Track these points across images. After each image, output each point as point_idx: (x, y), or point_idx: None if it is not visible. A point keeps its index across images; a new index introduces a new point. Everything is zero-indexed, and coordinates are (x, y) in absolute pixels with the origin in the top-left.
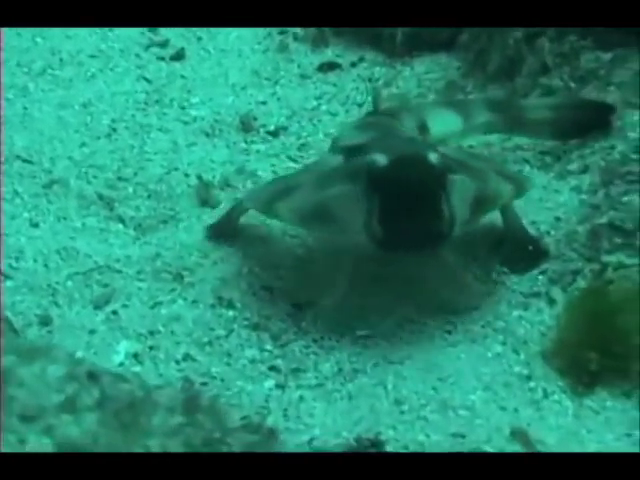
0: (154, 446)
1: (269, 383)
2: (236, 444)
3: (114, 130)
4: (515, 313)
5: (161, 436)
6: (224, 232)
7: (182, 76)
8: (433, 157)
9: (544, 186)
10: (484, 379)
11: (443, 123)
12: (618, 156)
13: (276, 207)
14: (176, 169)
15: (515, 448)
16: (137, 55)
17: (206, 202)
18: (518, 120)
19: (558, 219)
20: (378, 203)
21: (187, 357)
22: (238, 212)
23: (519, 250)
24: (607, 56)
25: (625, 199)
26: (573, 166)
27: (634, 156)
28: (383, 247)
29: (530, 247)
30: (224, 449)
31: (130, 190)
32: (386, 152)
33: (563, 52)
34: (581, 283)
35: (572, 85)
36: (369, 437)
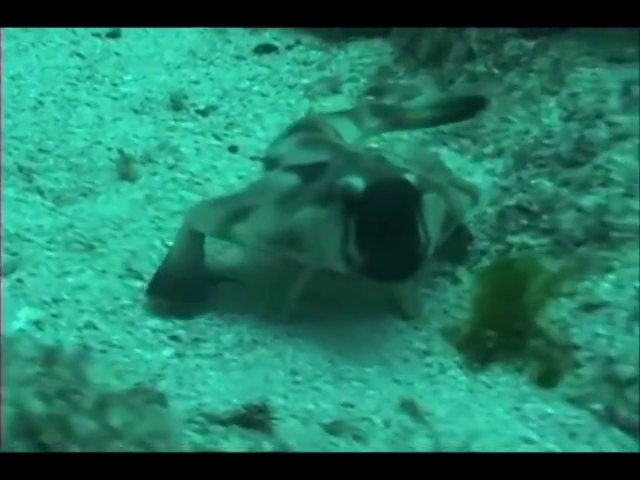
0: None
1: (168, 351)
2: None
3: (40, 103)
4: (422, 291)
5: (15, 385)
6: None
7: (116, 53)
8: (411, 178)
9: (459, 168)
10: (382, 354)
11: (346, 131)
12: (532, 141)
13: (233, 229)
14: (99, 143)
15: (403, 418)
16: (72, 31)
17: (126, 176)
18: (399, 121)
19: None
20: (355, 228)
21: (89, 325)
22: (194, 241)
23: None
24: (530, 44)
25: (533, 182)
26: (489, 149)
27: (546, 141)
28: (361, 273)
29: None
30: (78, 399)
31: (51, 162)
32: (361, 175)
33: (489, 39)
34: (486, 263)
35: (495, 71)
36: (257, 403)
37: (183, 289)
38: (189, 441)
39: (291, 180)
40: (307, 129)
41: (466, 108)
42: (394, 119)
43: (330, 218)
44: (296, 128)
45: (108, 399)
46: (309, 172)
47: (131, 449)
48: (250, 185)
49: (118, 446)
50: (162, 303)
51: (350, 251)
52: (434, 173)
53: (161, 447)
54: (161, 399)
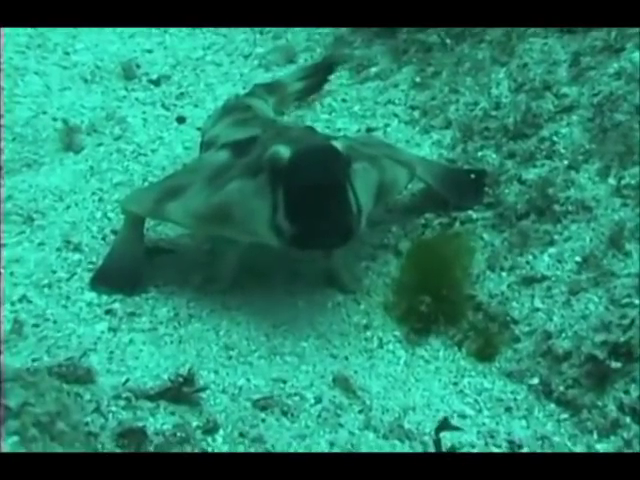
0: None
1: (102, 326)
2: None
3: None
4: (363, 264)
5: None
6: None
7: None
8: (339, 145)
9: (407, 140)
10: (319, 328)
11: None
12: (480, 112)
13: (166, 208)
14: (44, 113)
15: (335, 394)
16: None
17: (70, 147)
18: (284, 97)
19: None
20: (284, 198)
21: (23, 299)
22: (133, 222)
23: (461, 184)
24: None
25: (479, 154)
26: (437, 121)
27: (494, 113)
28: (291, 244)
29: (472, 175)
30: None
31: None
32: (288, 143)
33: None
34: (428, 236)
35: (448, 42)
36: (181, 373)
37: (124, 279)
38: (115, 417)
39: (223, 157)
40: (239, 109)
41: (321, 75)
42: (281, 96)
43: (258, 190)
44: (228, 110)
45: (6, 377)
46: (241, 147)
47: (30, 429)
48: (184, 166)
49: (14, 425)
50: (105, 293)
51: (279, 222)
52: (367, 146)
53: (60, 427)
54: (87, 375)
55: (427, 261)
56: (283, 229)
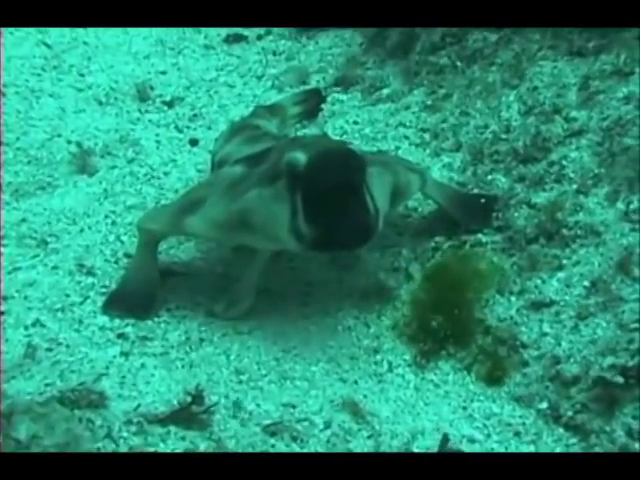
0: None
1: (114, 350)
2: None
3: (3, 94)
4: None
5: None
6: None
7: (84, 42)
8: (354, 148)
9: (417, 163)
10: (329, 351)
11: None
12: (490, 135)
13: (186, 222)
14: (59, 135)
15: (344, 418)
16: None
17: (84, 170)
18: (284, 119)
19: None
20: (302, 202)
21: (37, 323)
22: (148, 243)
23: (470, 207)
24: (494, 37)
25: (489, 178)
26: (448, 144)
27: (504, 136)
28: (312, 248)
29: (482, 200)
30: None
31: (10, 155)
32: (304, 149)
33: (453, 32)
34: (439, 259)
35: (459, 64)
36: (190, 391)
37: (138, 303)
38: (127, 443)
39: (239, 170)
40: (248, 128)
41: (315, 100)
42: (282, 117)
43: (277, 196)
44: (237, 130)
45: (17, 409)
46: (256, 160)
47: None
48: (199, 183)
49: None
50: (117, 317)
51: (299, 226)
52: (380, 156)
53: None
54: (100, 400)
55: (445, 278)
56: (303, 233)
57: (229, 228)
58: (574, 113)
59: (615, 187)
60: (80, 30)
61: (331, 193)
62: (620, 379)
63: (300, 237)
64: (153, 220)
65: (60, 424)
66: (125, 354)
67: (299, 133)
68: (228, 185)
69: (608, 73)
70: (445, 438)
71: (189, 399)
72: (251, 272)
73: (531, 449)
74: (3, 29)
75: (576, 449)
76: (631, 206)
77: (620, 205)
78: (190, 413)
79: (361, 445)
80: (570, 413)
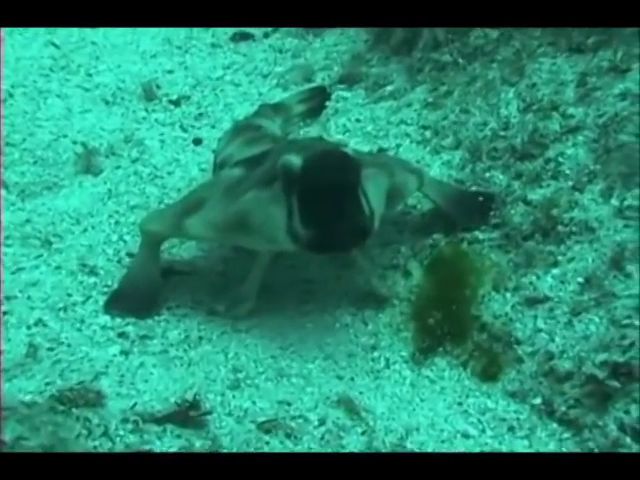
0: None
1: (114, 349)
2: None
3: (11, 95)
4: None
5: None
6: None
7: (93, 42)
8: (349, 150)
9: (418, 160)
10: (327, 349)
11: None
12: (489, 133)
13: (186, 224)
14: (65, 136)
15: (339, 415)
16: None
17: (89, 170)
18: (289, 117)
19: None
20: (298, 204)
21: (39, 322)
22: (150, 245)
23: (468, 206)
24: (495, 33)
25: (487, 175)
26: (447, 141)
27: (502, 133)
28: (308, 248)
29: (480, 198)
30: None
31: (17, 156)
32: (299, 151)
33: (456, 29)
34: (437, 256)
35: (460, 61)
36: (187, 398)
37: (139, 303)
38: (123, 441)
39: (238, 172)
40: (250, 129)
41: (319, 98)
42: (287, 116)
43: (274, 198)
44: (239, 130)
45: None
46: (254, 162)
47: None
48: (200, 185)
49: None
50: (119, 317)
51: (295, 227)
52: (376, 158)
53: None
54: (97, 399)
55: (442, 275)
56: (299, 234)
57: (227, 230)
58: (571, 110)
59: (610, 184)
60: (88, 30)
61: (326, 195)
62: (614, 382)
63: (296, 238)
64: (155, 222)
65: (46, 426)
66: (125, 353)
67: (303, 131)
68: (227, 187)
69: (605, 70)
70: None
71: (186, 405)
72: (256, 272)
73: (525, 444)
74: (5, 30)
75: (569, 444)
76: (625, 202)
77: (614, 202)
78: (187, 415)
79: (354, 441)
80: (563, 408)
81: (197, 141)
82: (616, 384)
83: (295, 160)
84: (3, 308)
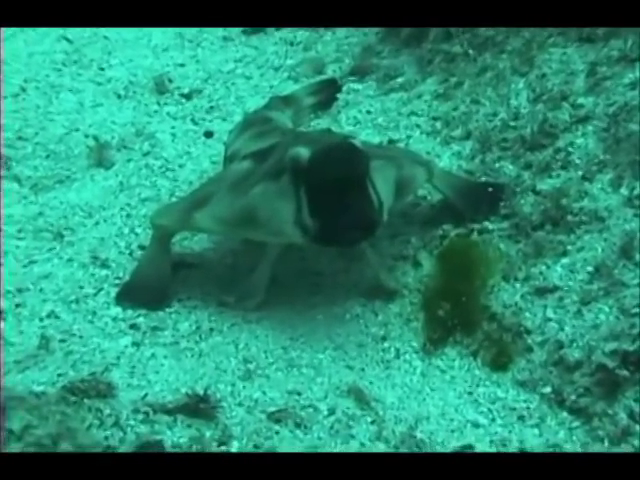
0: None
1: (125, 340)
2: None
3: (23, 90)
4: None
5: None
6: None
7: (105, 37)
8: (357, 142)
9: (428, 152)
10: (337, 339)
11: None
12: (499, 123)
13: (194, 218)
14: (77, 130)
15: (349, 405)
16: None
17: (100, 163)
18: (299, 109)
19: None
20: (307, 196)
21: (51, 314)
22: (160, 238)
23: (477, 197)
24: None
25: (497, 166)
26: (457, 132)
27: (512, 123)
28: (317, 241)
29: (489, 189)
30: None
31: (29, 150)
32: (307, 144)
33: None
34: (447, 247)
35: (471, 52)
36: (198, 392)
37: (151, 295)
38: (134, 431)
39: (246, 165)
40: (260, 122)
41: (330, 90)
42: (297, 108)
43: (282, 191)
44: (249, 123)
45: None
46: (262, 155)
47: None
48: (209, 178)
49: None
50: (130, 308)
51: (304, 220)
52: (386, 150)
53: (65, 447)
54: (108, 389)
55: (453, 266)
56: (308, 227)
57: (236, 223)
58: (581, 100)
59: (619, 173)
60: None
61: (334, 187)
62: (623, 371)
63: (305, 231)
64: (165, 216)
65: (54, 415)
66: (136, 344)
67: (314, 123)
68: (235, 180)
69: (615, 59)
70: None
71: (197, 397)
72: (265, 265)
73: (535, 432)
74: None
75: (579, 432)
76: (634, 192)
77: (624, 191)
78: (197, 406)
79: (364, 431)
80: (573, 397)
81: (208, 134)
82: (626, 373)
83: (303, 152)
84: (16, 300)
